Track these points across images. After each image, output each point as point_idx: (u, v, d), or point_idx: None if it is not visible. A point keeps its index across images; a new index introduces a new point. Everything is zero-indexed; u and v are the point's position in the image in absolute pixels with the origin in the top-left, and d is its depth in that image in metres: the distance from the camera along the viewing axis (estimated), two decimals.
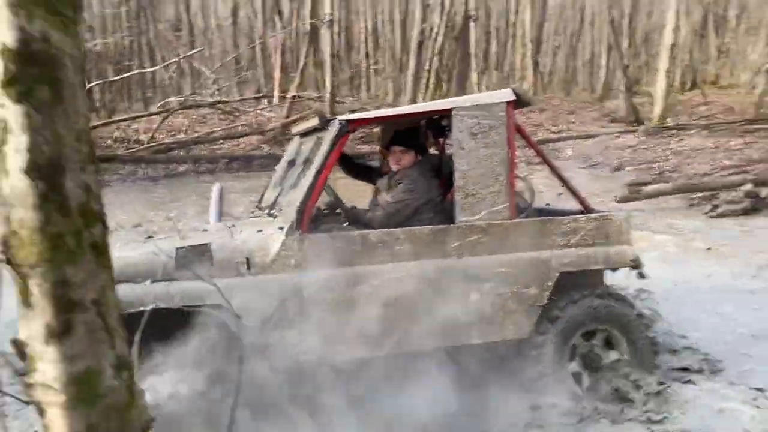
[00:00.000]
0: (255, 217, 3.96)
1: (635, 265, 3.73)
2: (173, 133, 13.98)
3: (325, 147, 3.39)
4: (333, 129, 3.43)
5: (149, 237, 3.46)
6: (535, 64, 22.51)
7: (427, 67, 17.59)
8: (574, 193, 3.96)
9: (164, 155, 12.92)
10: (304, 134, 4.03)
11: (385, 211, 3.63)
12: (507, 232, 3.52)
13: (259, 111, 15.29)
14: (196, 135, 13.36)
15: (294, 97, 15.17)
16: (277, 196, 3.83)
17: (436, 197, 3.78)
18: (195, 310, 2.93)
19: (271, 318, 3.08)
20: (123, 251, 3.08)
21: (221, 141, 13.53)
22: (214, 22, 25.02)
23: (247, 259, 3.16)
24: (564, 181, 3.94)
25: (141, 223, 4.43)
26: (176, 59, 16.20)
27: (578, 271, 3.63)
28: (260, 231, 3.31)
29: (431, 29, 17.34)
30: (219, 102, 14.45)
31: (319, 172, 3.33)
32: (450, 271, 3.41)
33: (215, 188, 4.37)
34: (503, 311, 3.49)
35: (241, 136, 13.88)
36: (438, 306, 3.36)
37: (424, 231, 3.44)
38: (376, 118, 4.03)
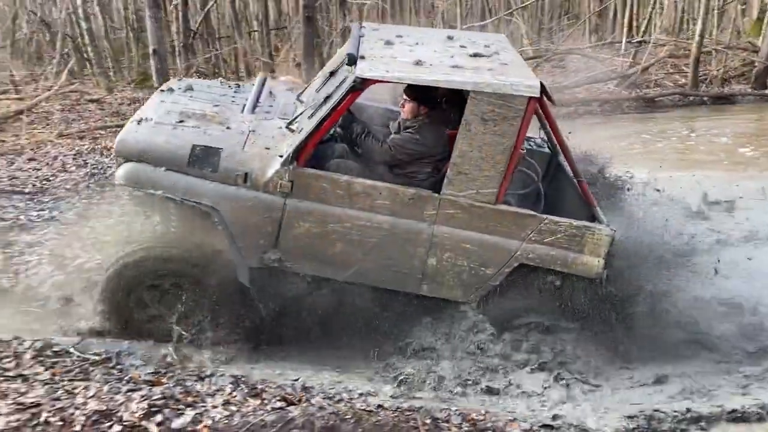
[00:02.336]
0: (284, 118, 4.06)
1: (597, 279, 3.82)
2: None
3: (335, 99, 3.59)
4: (347, 82, 3.57)
5: (180, 122, 3.83)
6: None
7: None
8: (585, 195, 3.99)
9: None
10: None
11: (388, 147, 3.84)
12: (485, 215, 3.70)
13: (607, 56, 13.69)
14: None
15: (640, 42, 13.85)
16: (302, 112, 3.97)
17: (439, 154, 3.88)
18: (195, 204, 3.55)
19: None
20: (153, 133, 3.70)
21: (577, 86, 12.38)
22: None
23: (246, 174, 3.60)
24: (580, 181, 4.00)
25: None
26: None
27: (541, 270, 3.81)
28: (267, 149, 3.67)
29: None
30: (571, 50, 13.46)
31: (322, 121, 3.58)
32: (418, 235, 3.73)
33: (258, 78, 4.49)
34: (456, 279, 3.80)
35: (597, 82, 12.59)
36: (398, 258, 3.76)
37: (407, 192, 3.70)
38: (390, 81, 3.78)
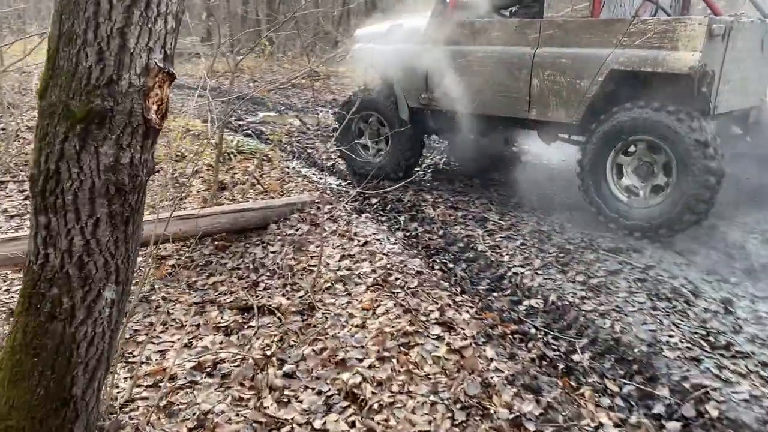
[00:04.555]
0: None
1: (694, 74, 3.50)
2: None
3: None
4: None
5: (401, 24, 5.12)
6: None
7: None
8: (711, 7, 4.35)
9: None
10: None
11: None
12: (578, 29, 3.91)
13: None
14: None
15: None
16: None
17: None
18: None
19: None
20: (382, 26, 5.22)
21: None
22: None
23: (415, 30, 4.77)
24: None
25: None
26: None
27: (638, 73, 3.75)
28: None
29: None
30: None
31: None
32: (522, 58, 4.24)
33: None
34: (557, 97, 4.07)
35: None
36: (509, 84, 4.34)
37: (514, 22, 4.33)
38: None
